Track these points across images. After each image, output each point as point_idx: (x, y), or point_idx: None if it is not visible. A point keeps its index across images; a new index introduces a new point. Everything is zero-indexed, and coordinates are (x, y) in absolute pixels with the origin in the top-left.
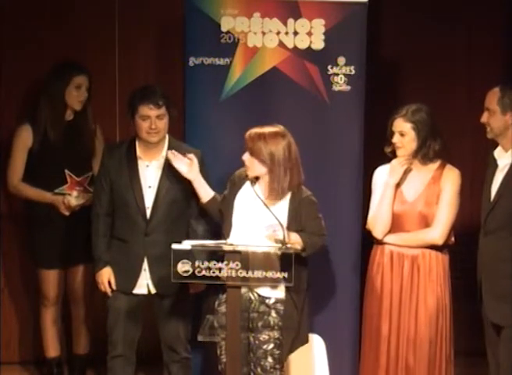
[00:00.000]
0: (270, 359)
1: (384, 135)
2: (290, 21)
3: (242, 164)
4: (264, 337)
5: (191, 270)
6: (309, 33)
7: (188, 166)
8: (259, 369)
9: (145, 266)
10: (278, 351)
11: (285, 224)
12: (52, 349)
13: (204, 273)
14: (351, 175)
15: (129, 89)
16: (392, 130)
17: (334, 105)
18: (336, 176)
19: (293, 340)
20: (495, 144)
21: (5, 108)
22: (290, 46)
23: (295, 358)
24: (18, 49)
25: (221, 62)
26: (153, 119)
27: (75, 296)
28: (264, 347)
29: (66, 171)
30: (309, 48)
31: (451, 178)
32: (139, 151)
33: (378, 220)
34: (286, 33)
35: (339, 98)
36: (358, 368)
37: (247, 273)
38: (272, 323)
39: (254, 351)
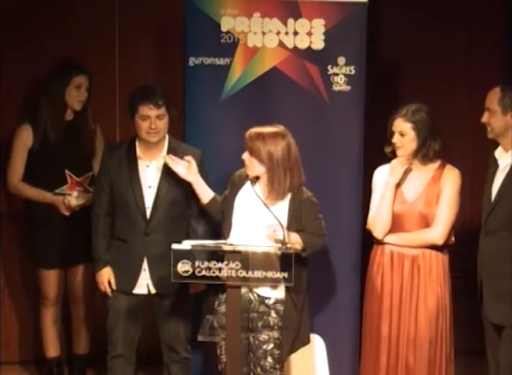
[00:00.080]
0: (270, 359)
1: (384, 135)
2: (290, 21)
3: (242, 164)
4: (264, 337)
5: (191, 270)
6: (309, 33)
7: (187, 169)
8: (259, 369)
9: (145, 266)
10: (278, 351)
11: (285, 224)
12: (52, 349)
13: (204, 273)
14: (351, 175)
15: (129, 89)
16: (392, 130)
17: (334, 105)
18: (335, 176)
19: (293, 340)
20: (495, 145)
21: (5, 108)
22: (290, 46)
23: (295, 358)
24: (18, 49)
25: (221, 62)
26: (153, 119)
27: (75, 296)
28: (264, 347)
29: (66, 171)
30: (309, 48)
31: (451, 178)
32: (139, 151)
33: (378, 220)
34: (286, 33)
35: (339, 98)
36: (358, 368)
37: (247, 273)
38: (271, 323)
39: (254, 351)
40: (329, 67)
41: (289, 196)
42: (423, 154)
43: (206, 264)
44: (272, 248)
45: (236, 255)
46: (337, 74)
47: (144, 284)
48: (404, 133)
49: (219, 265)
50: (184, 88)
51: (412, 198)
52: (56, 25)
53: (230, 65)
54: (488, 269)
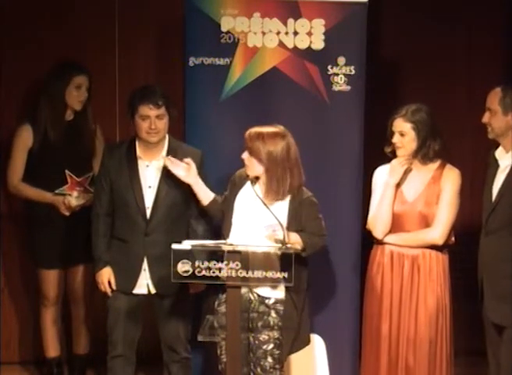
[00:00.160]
0: (270, 359)
1: (384, 135)
2: (290, 21)
3: (242, 164)
4: (264, 337)
5: (191, 270)
6: (309, 33)
7: (186, 171)
8: (259, 369)
9: (145, 266)
10: (278, 352)
11: (285, 224)
12: (52, 349)
13: (204, 273)
14: (351, 175)
15: (129, 89)
16: (392, 130)
17: (334, 105)
18: (336, 176)
19: (293, 340)
20: (495, 145)
21: (5, 108)
22: (290, 46)
23: (295, 358)
24: (18, 49)
25: (221, 62)
26: (153, 119)
27: (75, 296)
28: (264, 347)
29: (67, 171)
30: (309, 48)
31: (451, 178)
32: (139, 151)
33: (378, 220)
34: (286, 33)
35: (339, 98)
36: (358, 368)
37: (247, 273)
38: (271, 323)
39: (254, 351)
40: (329, 67)
41: (289, 196)
42: (423, 154)
43: (206, 264)
44: (271, 248)
45: (236, 255)
46: (337, 74)
47: (144, 284)
48: (404, 133)
49: (219, 265)
50: (184, 88)
51: (412, 198)
52: (56, 25)
53: (230, 65)
54: (488, 269)
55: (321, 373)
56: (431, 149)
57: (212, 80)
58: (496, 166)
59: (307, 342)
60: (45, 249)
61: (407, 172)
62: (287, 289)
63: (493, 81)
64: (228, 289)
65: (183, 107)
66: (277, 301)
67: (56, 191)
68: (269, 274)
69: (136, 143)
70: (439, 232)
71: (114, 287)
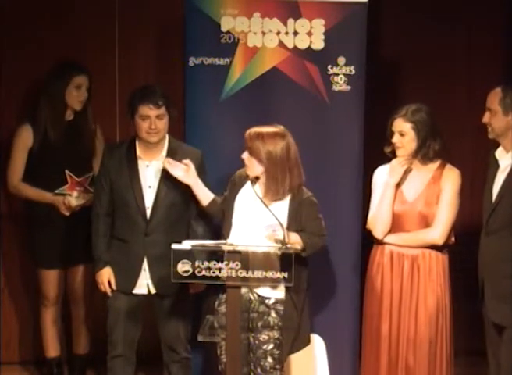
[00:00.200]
0: (270, 359)
1: (384, 135)
2: (290, 21)
3: (242, 164)
4: (264, 337)
5: (191, 270)
6: (309, 33)
7: (185, 172)
8: (259, 370)
9: (145, 265)
10: (278, 352)
11: (285, 224)
12: (52, 349)
13: (204, 273)
14: (351, 175)
15: (129, 89)
16: (392, 130)
17: (334, 105)
18: (336, 176)
19: (293, 340)
20: (495, 145)
21: (5, 108)
22: (290, 46)
23: (295, 358)
24: (18, 49)
25: (221, 62)
26: (153, 119)
27: (75, 296)
28: (264, 347)
29: (67, 171)
30: (309, 48)
31: (451, 178)
32: (139, 151)
33: (378, 220)
34: (286, 33)
35: (339, 98)
36: (358, 368)
37: (247, 273)
38: (271, 323)
39: (254, 351)
40: (329, 67)
41: (289, 196)
42: (423, 154)
43: (206, 264)
44: (271, 248)
45: (236, 255)
46: (337, 74)
47: (144, 284)
48: (404, 133)
49: (219, 265)
50: (184, 88)
51: (412, 198)
52: (56, 25)
53: (230, 65)
54: (489, 269)
55: (321, 373)
56: (431, 149)
57: (212, 80)
58: (497, 166)
59: (307, 342)
60: (45, 249)
61: (406, 172)
62: (287, 289)
63: (493, 81)
64: (228, 289)
65: (183, 107)
66: (277, 301)
67: (56, 191)
68: (269, 274)
69: (136, 143)
70: (438, 232)
71: (114, 287)
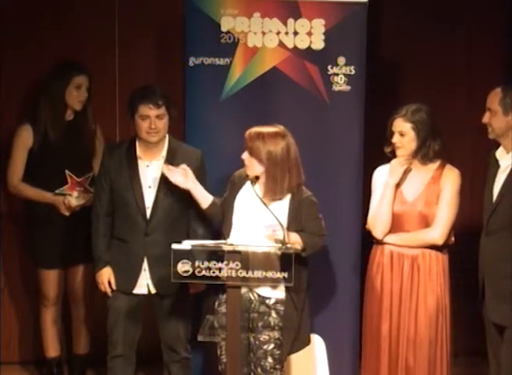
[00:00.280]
0: (270, 360)
1: (384, 135)
2: (290, 21)
3: (242, 164)
4: (264, 337)
5: (191, 270)
6: (309, 33)
7: (183, 177)
8: (259, 370)
9: (145, 265)
10: (278, 352)
11: (285, 224)
12: (52, 349)
13: (204, 273)
14: (351, 175)
15: (129, 89)
16: (392, 130)
17: (334, 105)
18: (336, 176)
19: (293, 340)
20: (495, 145)
21: (5, 108)
22: (290, 46)
23: (295, 359)
24: (18, 49)
25: (221, 62)
26: (152, 118)
27: (75, 296)
28: (265, 347)
29: (67, 171)
30: (309, 48)
31: (451, 178)
32: (139, 151)
33: (378, 220)
34: (286, 33)
35: (339, 98)
36: (358, 368)
37: (247, 273)
38: (272, 323)
39: (255, 351)
40: (329, 67)
41: (288, 196)
42: (423, 154)
43: (206, 264)
44: (271, 248)
45: (236, 255)
46: (337, 74)
47: (144, 284)
48: (404, 133)
49: (219, 265)
50: (184, 88)
51: (412, 198)
52: (56, 25)
53: (230, 65)
54: (489, 269)
55: (321, 373)
56: (431, 149)
57: (212, 80)
58: (497, 166)
59: (307, 342)
60: (45, 249)
61: (406, 172)
62: (287, 289)
63: (493, 81)
64: (228, 289)
65: (183, 107)
66: (277, 302)
67: (56, 191)
68: (269, 274)
69: (137, 143)
70: (438, 232)
71: (114, 287)
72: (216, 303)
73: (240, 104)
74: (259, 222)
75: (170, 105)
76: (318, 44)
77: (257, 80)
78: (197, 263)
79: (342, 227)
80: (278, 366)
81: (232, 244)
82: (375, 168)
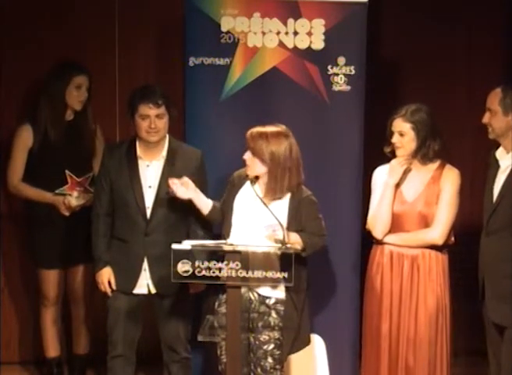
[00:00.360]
0: (270, 360)
1: (384, 135)
2: (290, 21)
3: (242, 164)
4: (264, 337)
5: (191, 270)
6: (309, 33)
7: (185, 187)
8: (259, 370)
9: (145, 265)
10: (278, 352)
11: (285, 224)
12: (52, 349)
13: (204, 273)
14: (351, 175)
15: (129, 89)
16: (392, 130)
17: (334, 105)
18: (336, 176)
19: (293, 340)
20: (495, 145)
21: (5, 108)
22: (290, 46)
23: (295, 359)
24: (18, 49)
25: (221, 62)
26: (152, 118)
27: (75, 296)
28: (265, 347)
29: (67, 171)
30: (309, 48)
31: (451, 178)
32: (139, 151)
33: (377, 220)
34: (286, 33)
35: (339, 98)
36: (358, 368)
37: (247, 273)
38: (272, 323)
39: (255, 351)
40: (329, 67)
41: (288, 195)
42: (422, 154)
43: (206, 264)
44: (271, 248)
45: (236, 255)
46: (337, 74)
47: (144, 284)
48: (404, 133)
49: (219, 265)
50: (184, 88)
51: (412, 198)
52: (56, 25)
53: (230, 65)
54: (489, 269)
55: (321, 373)
56: (430, 149)
57: (212, 80)
58: (497, 166)
59: (307, 342)
60: (45, 249)
61: (406, 172)
62: (287, 289)
63: (493, 81)
64: (228, 289)
65: (183, 107)
66: (277, 302)
67: (56, 191)
68: (269, 274)
69: (137, 143)
70: (438, 232)
71: (114, 287)
72: (216, 303)
73: (240, 104)
74: (259, 222)
75: (170, 104)
76: (318, 44)
77: (257, 80)
78: (197, 263)
79: (342, 227)
80: (278, 366)
81: (232, 244)
82: (375, 168)
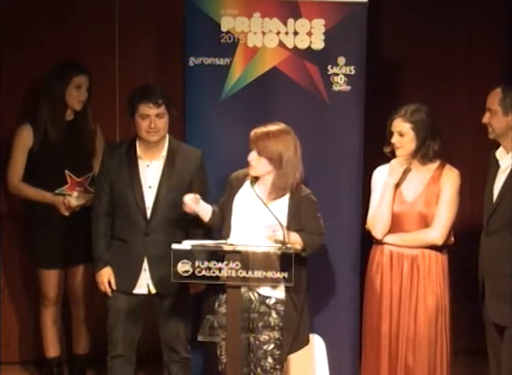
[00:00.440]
0: (270, 360)
1: (384, 135)
2: (290, 21)
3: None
4: (264, 337)
5: (191, 270)
6: (309, 33)
7: (194, 203)
8: (259, 370)
9: (145, 265)
10: (278, 352)
11: (285, 223)
12: (52, 349)
13: (204, 273)
14: (351, 175)
15: (129, 89)
16: (392, 130)
17: (334, 105)
18: (336, 176)
19: (292, 340)
20: (495, 145)
21: (5, 108)
22: (290, 46)
23: (295, 359)
24: (18, 49)
25: (221, 62)
26: (152, 117)
27: (75, 296)
28: (265, 347)
29: (66, 172)
30: (309, 48)
31: (450, 178)
32: (139, 151)
33: (377, 220)
34: (286, 33)
35: (339, 98)
36: (358, 368)
37: (247, 273)
38: (272, 323)
39: (255, 351)
40: (329, 67)
41: (287, 194)
42: (422, 154)
43: (206, 264)
44: (271, 248)
45: (236, 255)
46: (337, 74)
47: (144, 284)
48: (403, 133)
49: (219, 265)
50: (184, 88)
51: (411, 198)
52: (56, 25)
53: (230, 65)
54: (489, 269)
55: (321, 373)
56: (430, 149)
57: (212, 80)
58: (497, 166)
59: (306, 342)
60: (45, 249)
61: (406, 172)
62: (287, 289)
63: (493, 81)
64: (228, 289)
65: (183, 107)
66: (278, 302)
67: (56, 191)
68: (269, 274)
69: (137, 143)
70: (438, 232)
71: (114, 287)
72: (216, 303)
73: (240, 104)
74: (259, 222)
75: (170, 104)
76: (318, 44)
77: (257, 80)
78: (197, 263)
79: (341, 227)
80: (278, 366)
81: (232, 244)
82: (375, 168)
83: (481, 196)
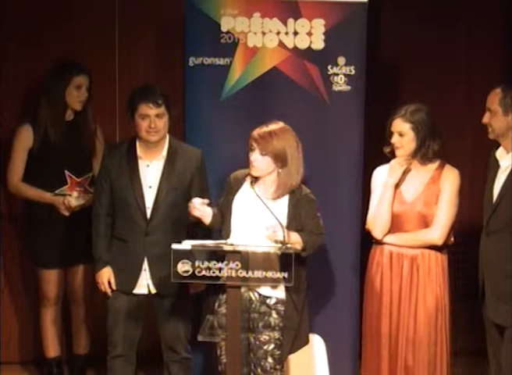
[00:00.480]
0: (270, 360)
1: (384, 135)
2: (290, 21)
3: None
4: (264, 337)
5: (191, 270)
6: (309, 33)
7: (201, 207)
8: (259, 370)
9: (145, 265)
10: (278, 352)
11: (285, 223)
12: (52, 349)
13: (204, 273)
14: (351, 175)
15: (129, 89)
16: (391, 130)
17: (334, 105)
18: (335, 176)
19: (293, 340)
20: (496, 145)
21: (5, 108)
22: (290, 46)
23: (295, 359)
24: (18, 49)
25: (221, 62)
26: (152, 117)
27: (75, 296)
28: (265, 347)
29: (66, 172)
30: (309, 48)
31: (450, 178)
32: (139, 151)
33: (377, 220)
34: (286, 33)
35: (339, 98)
36: (358, 368)
37: (247, 273)
38: (272, 323)
39: (255, 351)
40: (329, 67)
41: (287, 194)
42: (422, 154)
43: (206, 264)
44: (271, 248)
45: (236, 255)
46: (337, 74)
47: (145, 284)
48: (403, 133)
49: (219, 265)
50: (184, 88)
51: (411, 199)
52: (56, 25)
53: (230, 65)
54: (489, 269)
55: (321, 372)
56: (430, 149)
57: (212, 80)
58: (497, 166)
59: (306, 342)
60: (45, 249)
61: (406, 172)
62: (287, 289)
63: (493, 81)
64: (228, 289)
65: (183, 107)
66: (278, 302)
67: (56, 192)
68: (269, 274)
69: (137, 143)
70: (438, 232)
71: (114, 287)
72: (216, 303)
73: (240, 104)
74: (259, 222)
75: (170, 104)
76: (318, 44)
77: (257, 80)
78: (197, 263)
79: (341, 227)
80: (278, 367)
81: (232, 244)
82: (375, 168)
83: (481, 196)
